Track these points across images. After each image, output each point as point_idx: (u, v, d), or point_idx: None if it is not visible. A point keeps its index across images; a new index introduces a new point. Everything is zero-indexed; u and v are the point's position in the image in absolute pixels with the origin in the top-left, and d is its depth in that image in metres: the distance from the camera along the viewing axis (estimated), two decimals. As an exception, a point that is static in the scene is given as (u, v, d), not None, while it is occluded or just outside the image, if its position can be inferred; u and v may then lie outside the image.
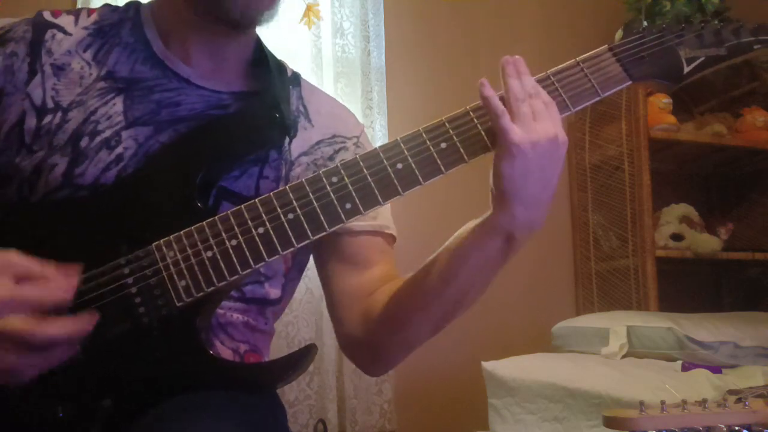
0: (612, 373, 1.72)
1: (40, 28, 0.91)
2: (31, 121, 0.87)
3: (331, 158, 0.98)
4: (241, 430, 0.72)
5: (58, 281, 0.71)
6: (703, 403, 0.89)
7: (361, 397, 2.13)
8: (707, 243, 2.41)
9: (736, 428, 0.87)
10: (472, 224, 0.83)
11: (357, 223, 0.94)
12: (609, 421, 0.92)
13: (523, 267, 2.40)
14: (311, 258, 1.03)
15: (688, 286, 2.66)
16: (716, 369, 1.71)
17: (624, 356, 1.90)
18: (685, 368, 1.73)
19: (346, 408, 2.11)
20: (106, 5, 0.98)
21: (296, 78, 1.03)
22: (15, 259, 0.71)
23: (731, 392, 1.29)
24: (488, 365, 1.95)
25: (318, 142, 0.98)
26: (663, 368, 1.75)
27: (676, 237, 2.44)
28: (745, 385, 1.52)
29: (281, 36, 2.22)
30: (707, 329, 1.85)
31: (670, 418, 0.87)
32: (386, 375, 2.16)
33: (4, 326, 0.68)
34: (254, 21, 0.91)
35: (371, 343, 0.93)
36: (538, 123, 0.76)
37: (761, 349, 1.84)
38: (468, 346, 2.19)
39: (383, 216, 0.99)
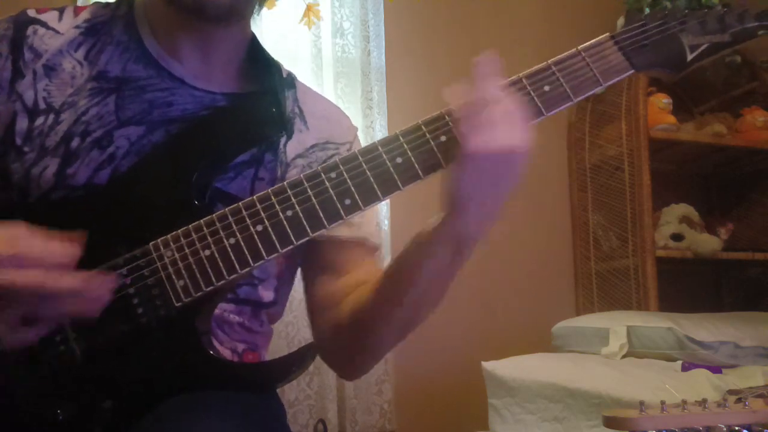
0: (612, 373, 1.72)
1: (21, 24, 0.90)
2: (22, 123, 0.86)
3: (325, 162, 0.97)
4: (241, 431, 0.72)
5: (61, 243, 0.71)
6: (703, 403, 0.89)
7: (361, 397, 2.13)
8: (707, 243, 2.41)
9: (736, 428, 0.87)
10: (423, 231, 0.81)
11: (340, 233, 0.94)
12: (609, 421, 0.92)
13: (523, 267, 2.40)
14: None
15: (688, 286, 2.66)
16: (716, 369, 1.71)
17: (624, 356, 1.90)
18: (685, 368, 1.73)
19: (346, 408, 2.11)
20: (97, 3, 0.97)
21: (291, 80, 1.02)
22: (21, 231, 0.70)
23: (731, 392, 1.28)
24: (488, 365, 1.94)
25: (312, 146, 0.98)
26: (663, 368, 1.75)
27: (676, 237, 2.44)
28: (745, 385, 1.52)
29: (281, 36, 2.22)
30: (707, 329, 1.85)
31: (670, 418, 0.87)
32: (386, 375, 2.16)
33: (14, 279, 0.67)
34: (230, 14, 0.88)
35: (341, 348, 0.94)
36: (496, 132, 0.72)
37: (761, 349, 1.84)
38: (468, 346, 2.19)
39: (367, 225, 0.98)
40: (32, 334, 0.72)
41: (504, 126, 0.72)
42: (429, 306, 0.85)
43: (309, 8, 2.21)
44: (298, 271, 1.03)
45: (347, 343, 0.92)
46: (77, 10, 0.94)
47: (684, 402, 0.89)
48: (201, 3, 0.85)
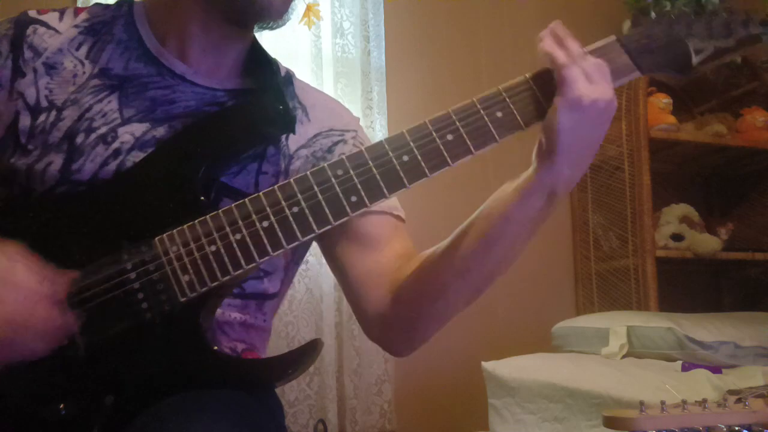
0: (612, 373, 1.72)
1: (21, 24, 0.91)
2: (25, 121, 0.87)
3: (329, 150, 0.97)
4: (239, 430, 0.72)
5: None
6: (703, 403, 0.89)
7: (361, 397, 2.13)
8: (707, 243, 2.41)
9: (736, 428, 0.87)
10: (510, 186, 0.83)
11: None
12: (609, 421, 0.92)
13: (523, 267, 2.39)
14: (308, 254, 1.03)
15: (688, 286, 2.66)
16: (716, 369, 1.71)
17: (624, 356, 1.90)
18: (685, 368, 1.73)
19: (346, 408, 2.11)
20: (97, 3, 0.99)
21: (289, 77, 1.02)
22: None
23: (731, 392, 1.29)
24: (488, 365, 1.95)
25: (315, 135, 0.98)
26: (663, 368, 1.75)
27: (676, 237, 2.44)
28: (745, 385, 1.52)
29: (281, 36, 2.22)
30: (707, 329, 1.85)
31: (670, 418, 0.87)
32: (386, 375, 2.16)
33: None
34: (267, 25, 0.92)
35: (405, 318, 0.91)
36: (593, 84, 0.77)
37: (761, 349, 1.84)
38: (468, 346, 2.19)
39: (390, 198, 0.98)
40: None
41: (601, 76, 0.78)
42: (509, 261, 0.86)
43: (309, 8, 2.21)
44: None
45: (415, 311, 0.90)
46: (77, 11, 0.95)
47: (684, 402, 0.89)
48: (263, 8, 0.89)
